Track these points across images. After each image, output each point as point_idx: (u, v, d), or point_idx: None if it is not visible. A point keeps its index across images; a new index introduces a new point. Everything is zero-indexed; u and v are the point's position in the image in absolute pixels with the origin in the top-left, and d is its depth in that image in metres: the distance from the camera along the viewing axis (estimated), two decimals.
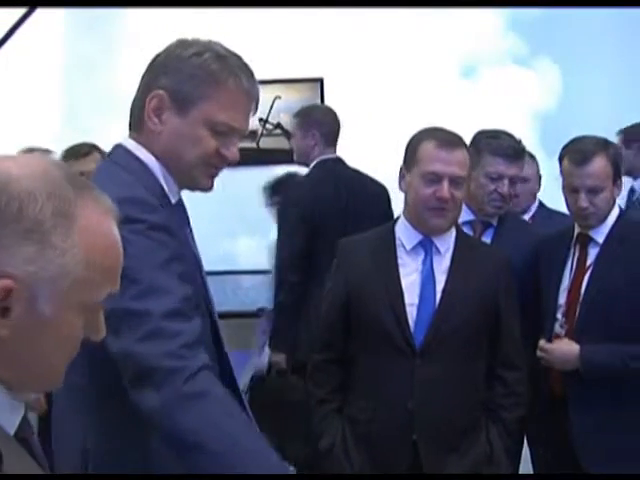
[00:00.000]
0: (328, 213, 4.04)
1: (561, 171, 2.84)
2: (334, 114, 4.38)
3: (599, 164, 2.74)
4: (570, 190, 2.78)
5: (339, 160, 4.31)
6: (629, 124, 4.68)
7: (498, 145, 3.03)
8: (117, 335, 1.48)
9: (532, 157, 3.88)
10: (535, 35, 6.10)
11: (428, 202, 2.51)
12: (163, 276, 1.57)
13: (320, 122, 4.29)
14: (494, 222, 3.10)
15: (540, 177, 4.01)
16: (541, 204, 3.99)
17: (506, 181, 3.02)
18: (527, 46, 6.20)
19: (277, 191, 4.59)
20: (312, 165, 4.25)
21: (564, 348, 2.77)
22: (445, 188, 2.48)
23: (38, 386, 1.10)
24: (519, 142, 3.12)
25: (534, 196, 3.99)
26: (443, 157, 2.50)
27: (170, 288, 1.57)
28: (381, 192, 4.18)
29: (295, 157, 4.43)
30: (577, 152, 2.76)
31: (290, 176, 4.63)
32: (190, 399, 1.51)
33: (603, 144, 2.80)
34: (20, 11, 5.57)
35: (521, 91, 6.26)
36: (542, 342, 2.80)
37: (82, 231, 1.03)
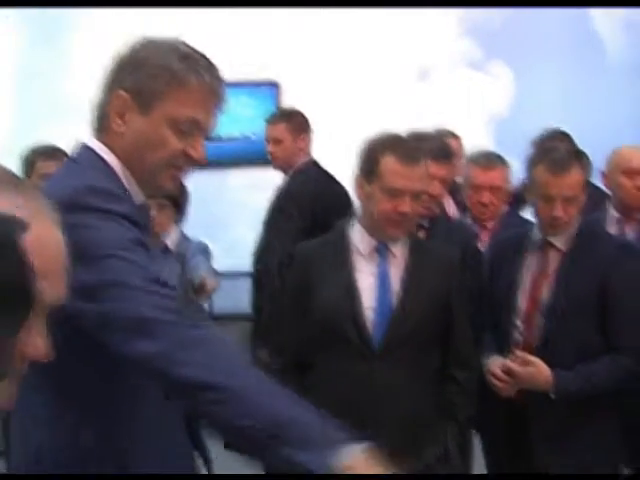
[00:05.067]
0: (326, 215, 4.07)
1: (531, 178, 2.83)
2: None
3: (576, 174, 2.74)
4: (544, 199, 2.76)
5: (318, 163, 4.38)
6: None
7: None
8: (101, 302, 1.48)
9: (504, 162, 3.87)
10: (489, 39, 6.16)
11: (389, 215, 2.53)
12: (134, 253, 1.54)
13: (308, 125, 4.36)
14: (425, 224, 3.14)
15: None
16: (512, 210, 3.92)
17: (436, 182, 3.09)
18: (481, 50, 6.26)
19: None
20: (300, 167, 4.28)
21: (535, 377, 2.69)
22: (407, 204, 2.50)
23: None
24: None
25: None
26: (406, 173, 2.51)
27: (144, 262, 1.55)
28: (348, 194, 4.26)
29: (278, 161, 4.43)
30: (554, 161, 2.73)
31: None
32: (197, 341, 1.48)
33: (577, 153, 2.81)
34: None
35: (475, 94, 6.31)
36: (510, 363, 2.72)
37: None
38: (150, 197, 1.76)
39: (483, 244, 3.41)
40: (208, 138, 1.72)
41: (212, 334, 1.53)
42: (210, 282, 3.92)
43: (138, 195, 1.70)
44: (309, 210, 4.11)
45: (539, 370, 2.69)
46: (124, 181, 1.67)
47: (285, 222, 4.16)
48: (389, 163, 2.52)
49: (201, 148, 1.68)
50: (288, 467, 1.39)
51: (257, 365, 2.95)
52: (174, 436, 1.75)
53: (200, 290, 3.91)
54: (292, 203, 4.19)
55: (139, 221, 1.62)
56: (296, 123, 4.39)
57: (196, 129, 1.67)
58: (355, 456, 1.37)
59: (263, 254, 4.28)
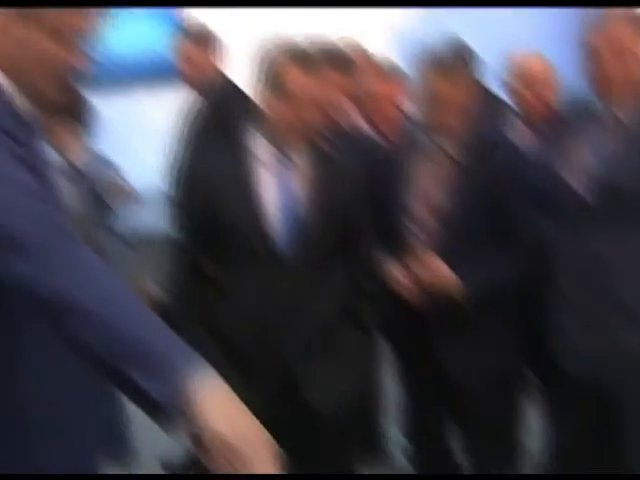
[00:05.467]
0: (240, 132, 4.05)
1: (423, 86, 2.82)
2: None
3: (468, 80, 2.76)
4: (435, 105, 2.78)
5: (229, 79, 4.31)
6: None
7: None
8: None
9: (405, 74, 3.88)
10: None
11: (292, 126, 2.53)
12: (18, 172, 1.49)
13: (217, 40, 4.26)
14: (329, 135, 3.14)
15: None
16: (413, 120, 3.95)
17: (340, 93, 3.18)
18: None
19: None
20: (212, 85, 4.20)
21: (439, 280, 2.75)
22: (310, 114, 2.52)
23: None
24: None
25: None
26: (308, 83, 2.51)
27: (25, 180, 1.50)
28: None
29: (189, 79, 4.31)
30: (445, 67, 2.74)
31: None
32: (74, 263, 1.44)
33: (469, 59, 2.81)
34: None
35: (380, 7, 6.28)
36: (414, 268, 2.76)
37: None
38: (45, 112, 1.72)
39: (387, 155, 3.43)
40: (100, 53, 1.69)
41: (92, 256, 1.49)
42: (122, 184, 3.85)
43: (26, 110, 1.66)
44: (223, 129, 4.06)
45: (442, 273, 2.75)
46: (8, 95, 1.62)
47: (203, 144, 4.10)
48: (291, 73, 2.50)
49: (85, 58, 1.65)
50: (132, 395, 1.36)
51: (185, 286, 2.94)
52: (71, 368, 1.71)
53: (115, 193, 3.83)
54: (208, 124, 4.13)
55: (25, 138, 1.59)
56: (204, 39, 4.29)
57: (79, 39, 1.63)
58: (208, 389, 1.33)
59: (184, 176, 4.20)
